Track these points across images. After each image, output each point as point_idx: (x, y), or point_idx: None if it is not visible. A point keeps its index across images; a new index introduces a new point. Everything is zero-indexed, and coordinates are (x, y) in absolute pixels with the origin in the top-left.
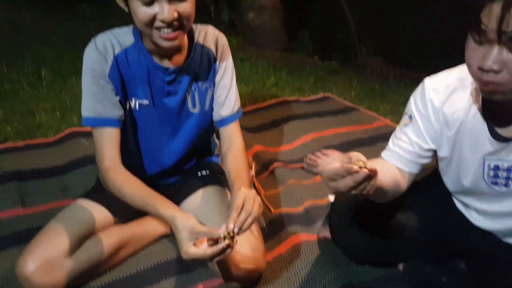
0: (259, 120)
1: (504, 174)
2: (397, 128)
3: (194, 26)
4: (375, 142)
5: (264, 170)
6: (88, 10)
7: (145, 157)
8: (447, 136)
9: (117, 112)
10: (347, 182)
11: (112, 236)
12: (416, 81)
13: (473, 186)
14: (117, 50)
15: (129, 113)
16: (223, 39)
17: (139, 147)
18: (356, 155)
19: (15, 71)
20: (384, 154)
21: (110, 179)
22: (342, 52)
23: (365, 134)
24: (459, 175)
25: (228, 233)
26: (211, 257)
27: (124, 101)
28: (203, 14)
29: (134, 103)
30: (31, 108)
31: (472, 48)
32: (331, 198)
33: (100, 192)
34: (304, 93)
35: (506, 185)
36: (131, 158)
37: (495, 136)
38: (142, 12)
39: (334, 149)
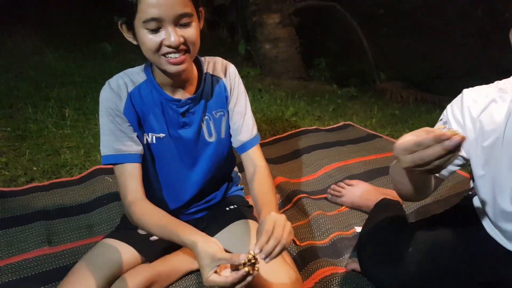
0: (280, 151)
1: None
2: None
3: (202, 58)
4: None
5: (287, 202)
6: (109, 49)
7: (167, 190)
8: (482, 147)
9: (136, 148)
10: (435, 150)
11: (139, 276)
12: (438, 105)
13: (507, 200)
14: (130, 87)
15: (147, 147)
16: (232, 68)
17: (160, 180)
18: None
19: (40, 112)
20: None
21: (133, 212)
22: (360, 78)
23: (389, 161)
24: (494, 194)
25: (249, 260)
26: (233, 285)
27: (141, 136)
28: (220, 47)
29: (151, 138)
30: (56, 148)
31: None
32: (358, 229)
33: (127, 231)
34: (324, 122)
35: None
36: (153, 192)
37: None
38: (149, 39)
39: (357, 179)
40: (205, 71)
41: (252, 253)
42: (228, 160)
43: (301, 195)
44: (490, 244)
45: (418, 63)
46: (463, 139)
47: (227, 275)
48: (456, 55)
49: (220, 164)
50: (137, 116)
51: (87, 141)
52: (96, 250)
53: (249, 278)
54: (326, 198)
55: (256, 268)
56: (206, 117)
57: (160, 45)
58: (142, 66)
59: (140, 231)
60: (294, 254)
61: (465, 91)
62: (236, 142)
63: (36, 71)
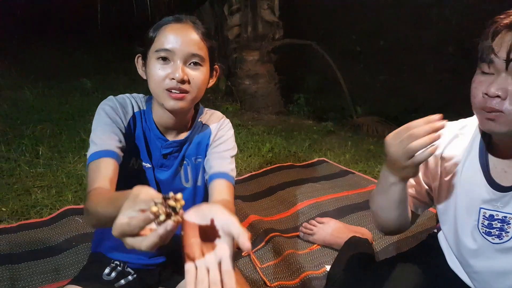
0: (255, 188)
1: (498, 224)
2: None
3: (204, 109)
4: None
5: (260, 241)
6: (89, 85)
7: None
8: (444, 181)
9: (121, 147)
10: (425, 128)
11: None
12: None
13: (468, 236)
14: (136, 108)
15: (127, 171)
16: (225, 121)
17: None
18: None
19: (13, 150)
20: None
21: (90, 201)
22: (338, 112)
23: (361, 198)
24: (457, 230)
25: (165, 200)
26: (136, 227)
27: (127, 158)
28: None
29: (137, 164)
30: (27, 187)
31: (479, 80)
32: (328, 267)
33: (92, 275)
34: (300, 158)
35: (499, 236)
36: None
37: (492, 184)
38: (157, 70)
39: (329, 216)
40: (199, 119)
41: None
42: None
43: (274, 234)
44: (455, 283)
45: (395, 98)
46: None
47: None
48: (431, 90)
49: None
50: (131, 137)
51: (59, 180)
52: None
53: (160, 230)
54: (298, 236)
55: (173, 219)
56: (185, 162)
57: (165, 78)
58: (146, 97)
59: (105, 277)
60: None
61: None
62: (207, 175)
63: (13, 108)
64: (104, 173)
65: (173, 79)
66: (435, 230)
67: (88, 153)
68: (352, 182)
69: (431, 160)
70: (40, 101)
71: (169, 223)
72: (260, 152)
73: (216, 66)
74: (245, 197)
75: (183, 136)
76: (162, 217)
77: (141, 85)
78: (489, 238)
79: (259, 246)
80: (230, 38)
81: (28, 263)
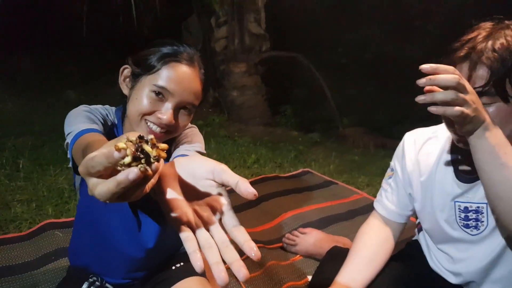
0: (240, 199)
1: (474, 215)
2: (383, 180)
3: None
4: (353, 216)
5: (243, 252)
6: (73, 97)
7: (107, 254)
8: (420, 182)
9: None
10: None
11: None
12: (396, 148)
13: (449, 230)
14: (109, 123)
15: None
16: (194, 131)
17: (102, 235)
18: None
19: None
20: (375, 205)
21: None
22: (325, 124)
23: (343, 208)
24: (436, 222)
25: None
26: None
27: None
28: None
29: None
30: (7, 201)
31: None
32: (310, 278)
33: None
34: (285, 169)
35: (476, 227)
36: (103, 242)
37: (460, 178)
38: (148, 101)
39: (312, 227)
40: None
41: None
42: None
43: (257, 245)
44: (438, 282)
45: (381, 109)
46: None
47: None
48: (416, 102)
49: (166, 236)
50: None
51: (40, 194)
52: None
53: (120, 176)
54: (281, 247)
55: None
56: None
57: (152, 112)
58: (114, 109)
59: None
60: None
61: (406, 135)
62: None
63: None
64: (95, 141)
65: (160, 118)
66: (414, 237)
67: (69, 138)
68: (335, 192)
69: (408, 163)
70: (22, 113)
71: (133, 170)
72: (245, 164)
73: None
74: None
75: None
76: (127, 159)
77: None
78: (468, 230)
79: (242, 258)
80: (218, 50)
81: (5, 279)
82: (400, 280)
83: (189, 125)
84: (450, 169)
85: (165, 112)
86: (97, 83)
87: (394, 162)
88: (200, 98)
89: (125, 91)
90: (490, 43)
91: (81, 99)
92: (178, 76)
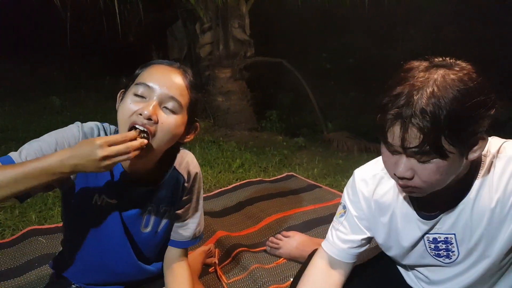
0: (224, 203)
1: (443, 246)
2: (334, 219)
3: (179, 155)
4: None
5: (227, 256)
6: (58, 103)
7: (100, 258)
8: (382, 223)
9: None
10: None
11: None
12: (379, 152)
13: (420, 260)
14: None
15: (92, 208)
16: (198, 170)
17: (92, 249)
18: None
19: None
20: (324, 244)
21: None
22: (310, 128)
23: (326, 211)
24: (403, 256)
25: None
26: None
27: (91, 194)
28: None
29: (100, 200)
30: None
31: (386, 155)
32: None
33: None
34: (270, 173)
35: (447, 256)
36: (88, 255)
37: (423, 216)
38: (128, 104)
39: (296, 230)
40: (174, 166)
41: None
42: (164, 247)
43: (241, 249)
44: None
45: (365, 114)
46: None
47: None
48: None
49: (153, 250)
50: (95, 173)
51: None
52: None
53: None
54: (265, 251)
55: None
56: (150, 207)
57: (134, 113)
58: (117, 128)
59: None
60: None
61: (356, 173)
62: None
63: None
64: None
65: (141, 114)
66: None
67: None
68: (318, 195)
69: (363, 204)
70: (6, 119)
71: (141, 140)
72: (230, 168)
73: (196, 123)
74: (214, 213)
75: (154, 180)
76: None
77: (112, 103)
78: (440, 259)
79: (226, 262)
80: (202, 56)
81: None
82: (373, 284)
83: (195, 169)
84: (411, 208)
85: (146, 107)
86: (82, 90)
87: (346, 201)
88: (186, 98)
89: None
90: (418, 100)
91: (66, 105)
92: (157, 72)
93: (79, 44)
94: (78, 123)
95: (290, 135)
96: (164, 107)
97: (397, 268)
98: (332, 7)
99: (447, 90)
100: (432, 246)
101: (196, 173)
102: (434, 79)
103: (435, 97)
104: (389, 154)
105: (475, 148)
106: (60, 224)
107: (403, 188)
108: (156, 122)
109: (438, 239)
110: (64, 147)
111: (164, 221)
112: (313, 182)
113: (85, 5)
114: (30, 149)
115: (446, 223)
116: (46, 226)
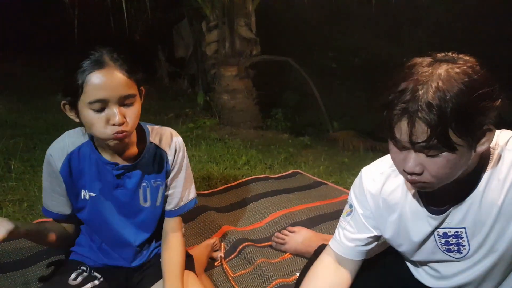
0: (230, 199)
1: (454, 240)
2: (341, 217)
3: (149, 127)
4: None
5: (233, 251)
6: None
7: (106, 241)
8: (391, 221)
9: (62, 209)
10: None
11: None
12: (386, 152)
13: (430, 256)
14: (71, 148)
15: (83, 202)
16: (178, 142)
17: (99, 232)
18: None
19: None
20: (331, 243)
21: None
22: (316, 127)
23: (332, 208)
24: (413, 252)
25: None
26: None
27: (77, 192)
28: (181, 97)
29: (84, 194)
30: None
31: (394, 152)
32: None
33: (58, 281)
34: (275, 170)
35: (458, 251)
36: (96, 240)
37: (433, 211)
38: (96, 119)
39: (302, 226)
40: (149, 141)
41: None
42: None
43: (247, 243)
44: (419, 285)
45: (371, 114)
46: None
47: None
48: None
49: (154, 226)
50: (72, 175)
51: (32, 194)
52: None
53: None
54: (271, 246)
55: None
56: (144, 183)
57: (106, 125)
58: (82, 130)
59: (71, 282)
60: None
61: (363, 171)
62: (166, 208)
63: None
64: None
65: (114, 124)
66: None
67: (43, 200)
68: (324, 192)
69: (370, 203)
70: (13, 116)
71: None
72: (236, 165)
73: (142, 88)
74: (220, 208)
75: (133, 155)
76: None
77: None
78: (451, 254)
79: (231, 256)
80: (208, 54)
81: None
82: (380, 278)
83: (176, 140)
84: (420, 204)
85: (113, 116)
86: None
87: (352, 200)
88: (133, 85)
89: (76, 119)
90: (424, 94)
91: None
92: (99, 83)
93: (85, 42)
94: (48, 150)
95: (295, 134)
96: (123, 105)
97: (405, 262)
98: (339, 6)
99: (452, 84)
100: (443, 241)
101: (177, 144)
102: (439, 74)
103: (440, 90)
104: (397, 150)
105: (483, 140)
106: None
107: (413, 184)
108: (126, 120)
109: (449, 234)
110: (51, 173)
111: (160, 194)
112: (319, 179)
113: (93, 3)
114: (46, 196)
115: (456, 217)
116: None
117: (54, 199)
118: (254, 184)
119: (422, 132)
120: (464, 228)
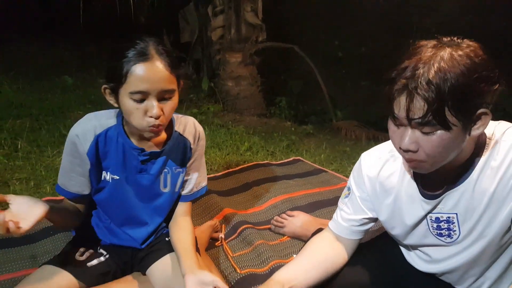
0: (231, 184)
1: (445, 225)
2: (340, 199)
3: (175, 116)
4: None
5: (233, 232)
6: (70, 82)
7: (121, 221)
8: (386, 204)
9: (79, 189)
10: None
11: None
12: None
13: (422, 240)
14: (98, 130)
15: (104, 183)
16: (201, 132)
17: (116, 213)
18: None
19: None
20: (330, 224)
21: None
22: (319, 116)
23: (332, 194)
24: (405, 235)
25: None
26: None
27: (99, 173)
28: (185, 82)
29: (109, 176)
30: (6, 179)
31: (392, 130)
32: (295, 256)
33: (65, 256)
34: (277, 157)
35: (449, 236)
36: (112, 220)
37: (427, 196)
38: (136, 109)
39: (301, 210)
40: (174, 129)
41: None
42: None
43: (246, 226)
44: (412, 271)
45: (375, 104)
46: None
47: None
48: None
49: (168, 211)
50: (97, 156)
51: (38, 173)
52: (34, 276)
53: None
54: (270, 229)
55: None
56: (165, 169)
57: (144, 115)
58: (117, 111)
59: (78, 257)
60: (234, 281)
61: (362, 156)
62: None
63: None
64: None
65: (151, 116)
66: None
67: (58, 178)
68: (324, 179)
69: (368, 186)
70: (20, 96)
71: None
72: (238, 151)
73: (181, 82)
74: (221, 192)
75: (160, 145)
76: None
77: None
78: (442, 238)
79: (232, 237)
80: (214, 40)
81: (4, 250)
82: (374, 264)
83: (198, 130)
84: (415, 188)
85: (151, 109)
86: (94, 69)
87: (351, 183)
88: (174, 81)
89: (115, 104)
90: (424, 73)
91: (77, 84)
92: (143, 75)
93: (91, 25)
94: (72, 129)
95: (298, 122)
96: (162, 99)
97: (399, 247)
98: None
99: (454, 65)
100: (435, 225)
101: (200, 134)
102: (442, 55)
103: (441, 71)
104: (395, 128)
105: (478, 124)
106: None
107: (409, 162)
108: (163, 113)
109: (441, 219)
110: (74, 153)
111: (179, 181)
112: (319, 167)
113: None
114: (63, 174)
115: (449, 203)
116: (60, 197)
117: (73, 178)
118: (256, 170)
119: (419, 108)
120: (456, 213)
